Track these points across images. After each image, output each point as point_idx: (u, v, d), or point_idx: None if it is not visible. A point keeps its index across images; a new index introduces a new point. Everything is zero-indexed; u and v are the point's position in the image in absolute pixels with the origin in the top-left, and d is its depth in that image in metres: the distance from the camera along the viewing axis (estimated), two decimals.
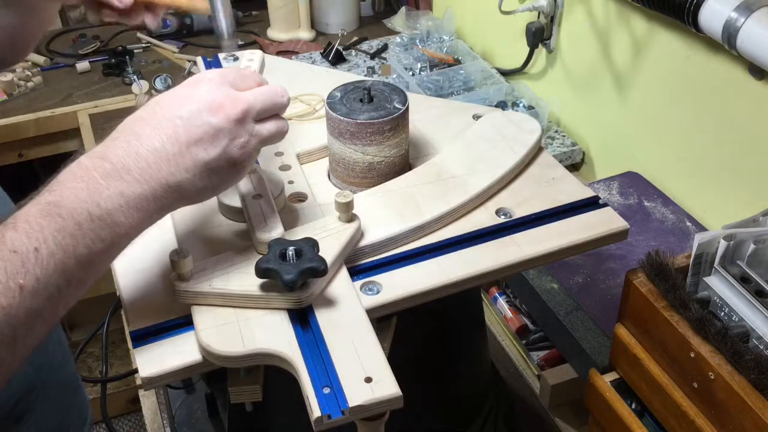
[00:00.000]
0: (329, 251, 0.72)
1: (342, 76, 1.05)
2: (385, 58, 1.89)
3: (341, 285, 0.72)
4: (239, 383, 0.73)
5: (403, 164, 0.87)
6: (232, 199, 0.80)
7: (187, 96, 0.65)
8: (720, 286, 0.83)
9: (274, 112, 0.69)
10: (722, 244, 0.82)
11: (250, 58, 0.82)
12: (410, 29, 1.99)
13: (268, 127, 0.68)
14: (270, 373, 0.71)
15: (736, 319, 0.81)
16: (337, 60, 1.88)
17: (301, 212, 0.81)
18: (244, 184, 0.80)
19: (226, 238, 0.78)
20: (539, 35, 1.57)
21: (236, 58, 1.10)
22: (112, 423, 1.56)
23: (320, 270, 0.67)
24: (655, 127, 1.35)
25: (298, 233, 0.73)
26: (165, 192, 0.62)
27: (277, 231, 0.74)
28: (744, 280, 0.82)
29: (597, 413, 0.97)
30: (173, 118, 0.63)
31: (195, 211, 0.81)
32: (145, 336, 0.69)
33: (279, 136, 0.70)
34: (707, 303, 0.84)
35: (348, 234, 0.74)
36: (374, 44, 1.96)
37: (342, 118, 0.81)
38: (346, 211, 0.75)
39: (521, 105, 1.58)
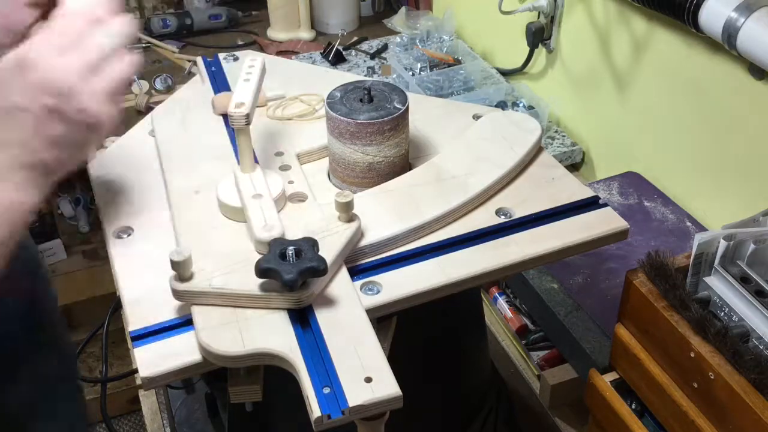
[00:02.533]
0: (329, 251, 0.72)
1: (342, 76, 1.05)
2: (385, 58, 1.89)
3: (341, 285, 0.72)
4: (239, 383, 0.73)
5: (403, 164, 0.87)
6: (232, 199, 0.80)
7: None
8: (720, 286, 0.83)
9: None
10: (722, 244, 0.82)
11: (251, 64, 0.82)
12: (410, 29, 1.99)
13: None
14: (270, 373, 0.71)
15: (736, 319, 0.81)
16: (337, 60, 1.88)
17: (301, 212, 0.81)
18: (244, 184, 0.80)
19: (225, 237, 0.78)
20: (539, 35, 1.57)
21: (236, 58, 1.10)
22: (112, 423, 1.57)
23: (320, 270, 0.67)
24: (655, 127, 1.35)
25: (298, 233, 0.73)
26: None
27: (276, 230, 0.74)
28: (744, 280, 0.82)
29: (597, 413, 0.97)
30: None
31: (195, 211, 0.81)
32: (145, 336, 0.69)
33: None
34: (707, 303, 0.84)
35: (348, 234, 0.74)
36: (374, 44, 1.96)
37: (342, 118, 0.81)
38: (346, 211, 0.75)
39: (521, 105, 1.58)
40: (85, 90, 0.60)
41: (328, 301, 0.70)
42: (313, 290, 0.69)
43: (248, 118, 0.77)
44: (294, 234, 0.73)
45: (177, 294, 0.70)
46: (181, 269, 0.69)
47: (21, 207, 0.60)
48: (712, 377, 0.78)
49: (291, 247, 0.68)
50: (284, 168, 0.87)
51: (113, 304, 1.14)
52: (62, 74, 0.59)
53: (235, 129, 0.78)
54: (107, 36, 0.63)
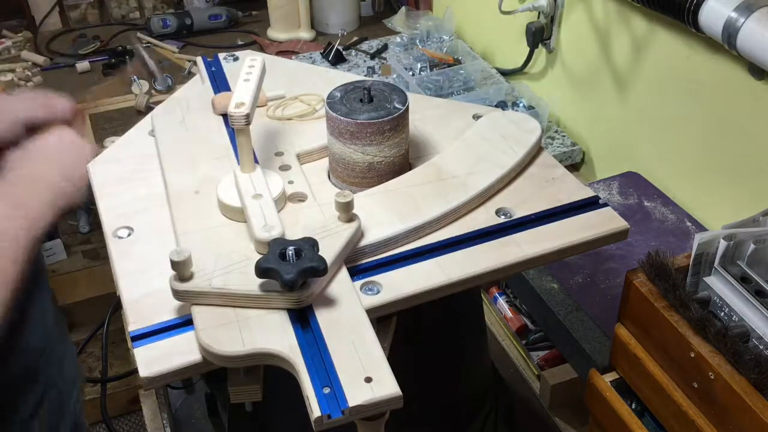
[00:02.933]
0: (329, 251, 0.72)
1: (342, 76, 1.05)
2: (385, 58, 1.89)
3: (341, 285, 0.72)
4: (239, 383, 0.73)
5: (403, 164, 0.87)
6: (232, 199, 0.80)
7: None
8: (720, 286, 0.83)
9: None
10: (722, 244, 0.82)
11: (251, 64, 0.82)
12: (410, 29, 1.99)
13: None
14: (270, 373, 0.71)
15: (736, 319, 0.81)
16: (337, 60, 1.88)
17: (301, 212, 0.81)
18: (244, 184, 0.80)
19: (226, 237, 0.78)
20: (539, 35, 1.57)
21: (236, 58, 1.10)
22: (112, 423, 1.57)
23: (320, 270, 0.67)
24: (655, 127, 1.35)
25: (298, 233, 0.73)
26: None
27: (276, 231, 0.74)
28: (744, 280, 0.82)
29: (597, 413, 0.97)
30: None
31: (195, 211, 0.81)
32: (145, 336, 0.69)
33: None
34: (707, 303, 0.84)
35: (348, 234, 0.74)
36: (374, 44, 1.96)
37: (342, 118, 0.81)
38: (346, 211, 0.75)
39: (521, 105, 1.58)
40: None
41: (328, 301, 0.70)
42: (313, 290, 0.69)
43: (248, 118, 0.77)
44: (294, 234, 0.73)
45: (177, 294, 0.70)
46: (181, 269, 0.69)
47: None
48: (712, 377, 0.78)
49: (291, 247, 0.68)
50: (284, 168, 0.87)
51: (113, 304, 1.14)
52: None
53: (235, 129, 0.79)
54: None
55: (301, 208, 0.82)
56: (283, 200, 0.82)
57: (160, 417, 1.32)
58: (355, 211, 0.76)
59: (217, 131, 0.95)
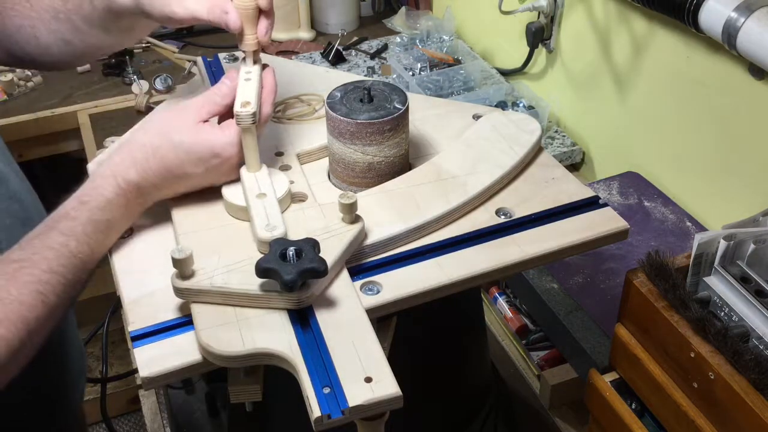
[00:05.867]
0: (331, 252, 0.72)
1: (342, 76, 1.05)
2: (385, 58, 1.89)
3: (341, 285, 0.72)
4: (239, 383, 0.73)
5: (403, 164, 0.87)
6: (237, 198, 0.80)
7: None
8: (720, 286, 0.83)
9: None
10: (722, 244, 0.82)
11: (249, 70, 0.82)
12: (410, 29, 1.99)
13: None
14: (270, 373, 0.71)
15: (736, 319, 0.81)
16: (337, 60, 1.88)
17: (301, 212, 0.81)
18: (249, 183, 0.80)
19: (229, 236, 0.78)
20: (539, 35, 1.57)
21: (236, 58, 1.10)
22: (112, 423, 1.56)
23: (320, 271, 0.67)
24: (655, 127, 1.35)
25: (301, 233, 0.73)
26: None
27: (278, 230, 0.74)
28: (744, 280, 0.82)
29: (597, 413, 0.97)
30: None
31: (198, 209, 0.81)
32: (145, 336, 0.69)
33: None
34: (707, 303, 0.84)
35: (350, 235, 0.74)
36: (374, 44, 1.96)
37: (342, 118, 0.81)
38: (350, 213, 0.75)
39: (521, 105, 1.58)
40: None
41: (329, 301, 0.70)
42: (313, 291, 0.69)
43: (255, 116, 0.77)
44: (297, 234, 0.73)
45: (178, 291, 0.70)
46: (182, 267, 0.69)
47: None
48: (712, 377, 0.78)
49: (292, 248, 0.68)
50: (284, 168, 0.87)
51: (113, 304, 1.14)
52: None
53: (242, 128, 0.78)
54: None
55: (305, 208, 0.82)
56: (288, 200, 0.82)
57: (160, 417, 1.32)
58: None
59: None
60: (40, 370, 0.81)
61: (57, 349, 0.90)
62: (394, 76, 1.76)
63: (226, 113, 0.80)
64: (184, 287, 0.69)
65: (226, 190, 0.81)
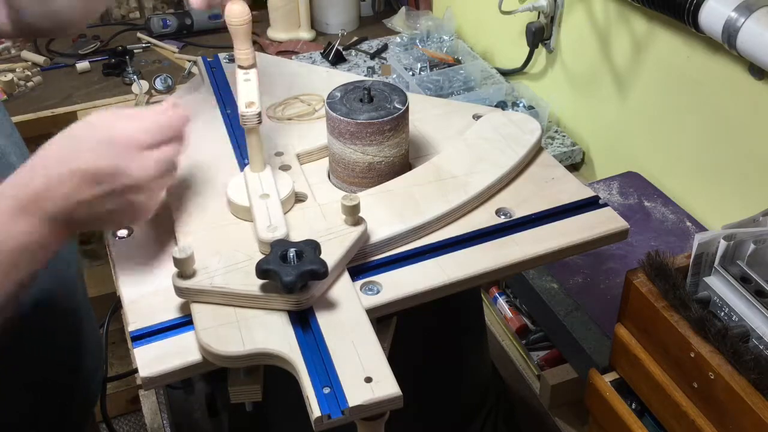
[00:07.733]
0: (332, 254, 0.72)
1: (342, 76, 1.05)
2: (385, 58, 1.89)
3: (341, 285, 0.72)
4: (239, 383, 0.73)
5: (403, 164, 0.87)
6: (241, 198, 0.80)
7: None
8: (720, 286, 0.83)
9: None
10: (722, 244, 0.82)
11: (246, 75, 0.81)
12: (410, 29, 1.99)
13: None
14: (270, 373, 0.71)
15: (736, 319, 0.81)
16: (337, 60, 1.88)
17: (301, 212, 0.81)
18: (253, 183, 0.80)
19: (232, 236, 0.78)
20: (539, 35, 1.57)
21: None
22: (112, 423, 1.56)
23: (320, 273, 0.67)
24: (655, 127, 1.35)
25: (304, 234, 0.73)
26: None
27: (280, 231, 0.74)
28: (744, 280, 0.82)
29: (597, 413, 0.97)
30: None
31: (199, 209, 0.81)
32: (145, 336, 0.69)
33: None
34: (707, 303, 0.84)
35: (353, 237, 0.74)
36: (374, 44, 1.96)
37: (342, 118, 0.81)
38: (353, 215, 0.75)
39: (521, 105, 1.58)
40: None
41: (329, 302, 0.70)
42: (313, 293, 0.69)
43: (260, 116, 0.77)
44: (300, 235, 0.73)
45: (179, 291, 0.70)
46: (183, 266, 0.69)
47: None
48: (712, 377, 0.78)
49: (292, 249, 0.68)
50: (284, 168, 0.87)
51: (113, 304, 1.14)
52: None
53: (247, 128, 0.78)
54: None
55: (307, 208, 0.82)
56: (291, 201, 0.82)
57: (160, 417, 1.32)
58: None
59: (217, 130, 0.95)
60: (53, 357, 0.81)
61: (72, 339, 0.93)
62: (394, 76, 1.76)
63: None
64: (185, 287, 0.69)
65: (230, 190, 0.81)
